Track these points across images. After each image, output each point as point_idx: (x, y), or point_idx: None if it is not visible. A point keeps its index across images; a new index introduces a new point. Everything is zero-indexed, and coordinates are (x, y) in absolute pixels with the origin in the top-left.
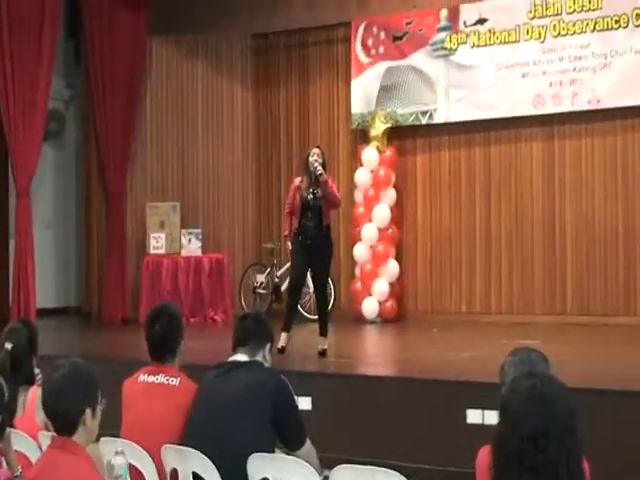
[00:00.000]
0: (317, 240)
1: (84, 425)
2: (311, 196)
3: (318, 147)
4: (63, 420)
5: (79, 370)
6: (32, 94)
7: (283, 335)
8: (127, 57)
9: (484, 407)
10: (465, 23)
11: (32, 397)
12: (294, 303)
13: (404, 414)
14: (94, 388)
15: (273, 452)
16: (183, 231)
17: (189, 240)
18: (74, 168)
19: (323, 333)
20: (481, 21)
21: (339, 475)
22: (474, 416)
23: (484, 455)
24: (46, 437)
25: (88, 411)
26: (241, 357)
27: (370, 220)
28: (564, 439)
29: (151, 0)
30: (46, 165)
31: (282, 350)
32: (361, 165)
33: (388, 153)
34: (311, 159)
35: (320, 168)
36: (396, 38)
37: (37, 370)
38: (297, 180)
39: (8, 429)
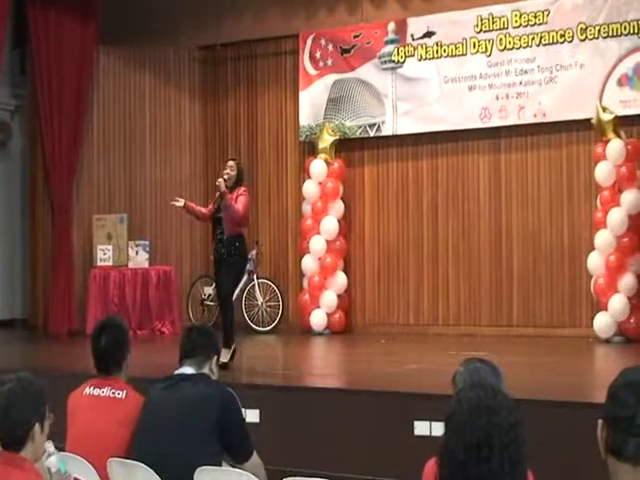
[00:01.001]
0: (222, 252)
1: (33, 441)
2: (217, 208)
3: (233, 159)
4: (12, 436)
5: (27, 385)
6: None
7: (223, 351)
8: (74, 67)
9: (432, 418)
10: (413, 36)
11: None
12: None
13: (352, 426)
14: (42, 403)
15: (220, 465)
16: (130, 243)
17: (136, 252)
18: (19, 179)
19: (225, 345)
20: (428, 34)
21: None
22: (421, 427)
23: (431, 466)
24: None
25: (37, 426)
26: (187, 370)
27: (318, 232)
28: (508, 449)
29: (99, 11)
30: None
31: (224, 366)
32: (309, 177)
33: (336, 165)
34: (223, 171)
35: (220, 181)
36: (344, 51)
37: None
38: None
39: None
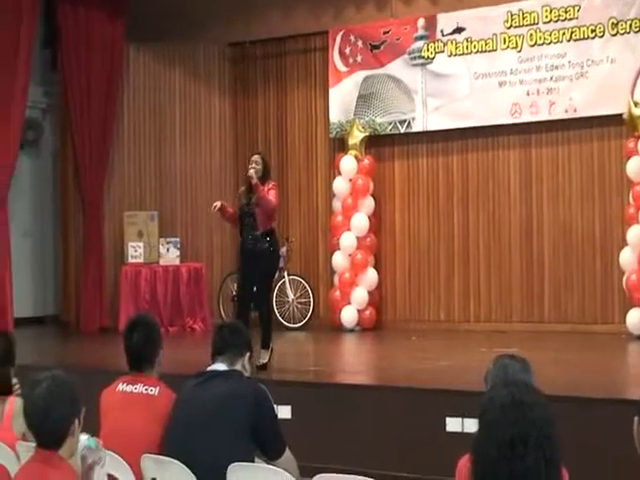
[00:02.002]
0: (255, 248)
1: (71, 438)
2: (246, 204)
3: (258, 153)
4: (51, 435)
5: (63, 383)
6: (8, 102)
7: (262, 352)
8: (104, 65)
9: (463, 415)
10: (442, 32)
11: (9, 408)
12: (240, 314)
13: (383, 422)
14: (78, 401)
15: (252, 461)
16: (161, 240)
17: (167, 249)
18: (51, 177)
19: (264, 345)
20: (458, 30)
21: None
22: (453, 424)
23: (464, 463)
24: (24, 448)
25: (75, 424)
26: (220, 366)
27: (349, 229)
28: (542, 446)
29: (129, 8)
30: (23, 174)
31: (264, 366)
32: (339, 174)
33: (366, 162)
34: (249, 166)
35: (252, 172)
36: (373, 47)
37: (15, 380)
38: (240, 190)
39: None
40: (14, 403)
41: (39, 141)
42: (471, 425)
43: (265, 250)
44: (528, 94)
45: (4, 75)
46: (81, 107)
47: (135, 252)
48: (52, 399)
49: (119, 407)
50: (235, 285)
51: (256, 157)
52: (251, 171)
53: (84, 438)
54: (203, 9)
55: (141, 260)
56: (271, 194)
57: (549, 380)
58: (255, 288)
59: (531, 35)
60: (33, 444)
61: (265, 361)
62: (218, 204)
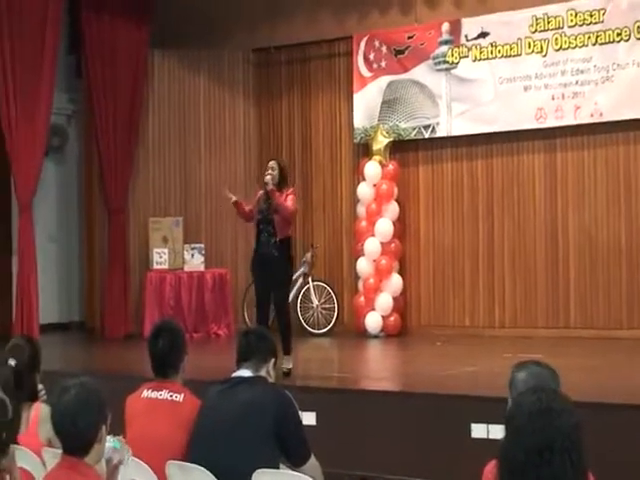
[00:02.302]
0: (270, 254)
1: (98, 444)
2: (264, 209)
3: (274, 159)
4: (80, 442)
5: (91, 391)
6: (34, 109)
7: (285, 358)
8: (129, 71)
9: (489, 421)
10: (467, 37)
11: (35, 413)
12: (261, 319)
13: (408, 429)
14: (105, 407)
15: (277, 468)
16: (186, 246)
17: (192, 255)
18: (76, 183)
19: (286, 352)
20: (483, 35)
21: None
22: (479, 430)
23: (489, 469)
24: (50, 454)
25: (102, 430)
26: (245, 372)
27: (373, 234)
28: (569, 452)
29: (153, 15)
30: (48, 180)
31: (288, 373)
32: (363, 179)
33: (390, 167)
34: (265, 173)
35: (269, 179)
36: (398, 52)
37: (40, 386)
38: (259, 193)
39: (12, 446)
40: (40, 409)
41: (64, 147)
42: (497, 431)
43: (279, 257)
44: (553, 98)
45: (30, 81)
46: (106, 113)
47: (160, 258)
48: (80, 406)
49: (144, 413)
50: None
51: (272, 163)
52: (267, 177)
53: (109, 440)
54: (228, 15)
55: (166, 266)
56: (289, 200)
57: (575, 386)
58: (273, 295)
59: (556, 39)
60: (59, 450)
61: (290, 367)
62: (233, 198)
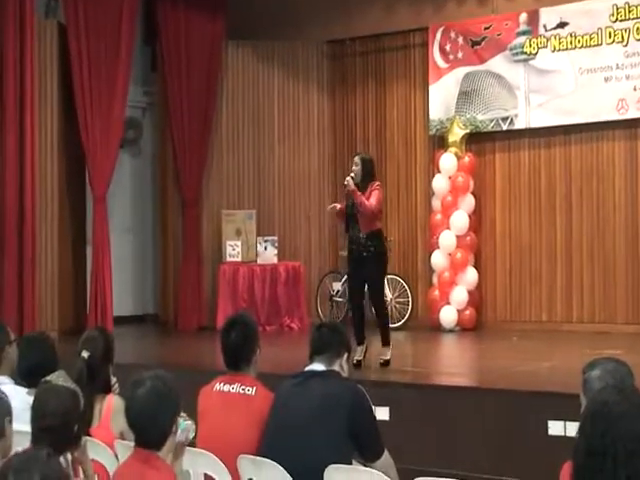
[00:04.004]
0: (360, 250)
1: (172, 437)
2: (349, 206)
3: (358, 154)
4: (155, 436)
5: (166, 384)
6: (109, 101)
7: (357, 349)
8: (203, 63)
9: (566, 418)
10: (545, 27)
11: (108, 406)
12: (355, 314)
13: (483, 425)
14: (179, 401)
15: (350, 464)
16: (259, 239)
17: (265, 248)
18: (150, 175)
19: (385, 343)
20: (561, 25)
21: None
22: (556, 427)
23: (567, 469)
24: (123, 446)
25: (176, 424)
26: (318, 366)
27: (448, 227)
28: (626, 460)
29: (227, 6)
30: (123, 172)
31: (358, 364)
32: (439, 171)
33: (466, 159)
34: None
35: (348, 179)
36: (474, 43)
37: (114, 379)
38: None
39: (84, 438)
40: (113, 402)
41: (139, 140)
42: (574, 429)
43: (369, 252)
44: (635, 89)
45: (106, 74)
46: (180, 106)
47: (233, 251)
48: (157, 400)
49: (217, 407)
50: (333, 284)
51: (356, 158)
52: (347, 178)
53: (180, 424)
54: (303, 7)
55: (239, 259)
56: (373, 196)
57: None
58: (368, 290)
59: (637, 29)
60: (132, 443)
61: (387, 357)
62: (338, 206)
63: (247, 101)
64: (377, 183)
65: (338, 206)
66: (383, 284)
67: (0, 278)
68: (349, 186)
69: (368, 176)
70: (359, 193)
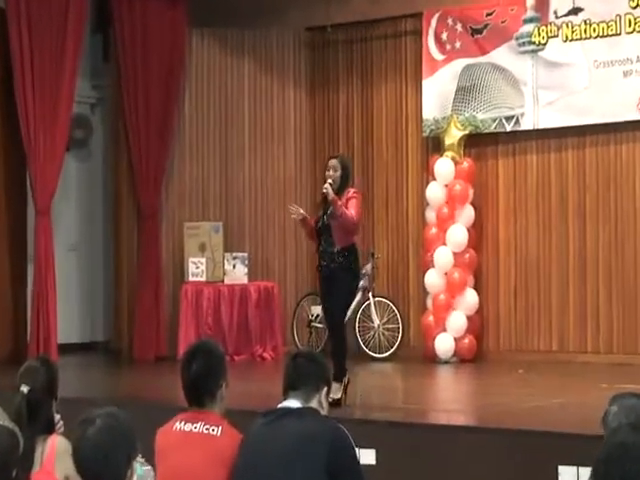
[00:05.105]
0: (331, 267)
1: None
2: (321, 215)
3: (335, 157)
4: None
5: (119, 423)
6: (54, 96)
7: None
8: (163, 53)
9: (579, 463)
10: (556, 13)
11: (52, 447)
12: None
13: (484, 470)
14: (136, 442)
15: None
16: (227, 255)
17: (233, 266)
18: (101, 182)
19: (336, 378)
20: (575, 11)
21: None
22: (567, 474)
23: None
24: None
25: (132, 467)
26: (293, 403)
27: (444, 243)
28: None
29: None
30: (69, 179)
31: (336, 403)
32: (433, 179)
33: (465, 165)
34: (326, 173)
35: (327, 187)
36: (475, 31)
37: (58, 416)
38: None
39: None
40: (57, 443)
41: (88, 141)
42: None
43: (339, 269)
44: None
45: (50, 64)
46: (136, 101)
47: (197, 269)
48: (110, 440)
49: (177, 448)
50: (312, 308)
51: (333, 162)
52: (326, 185)
53: (135, 464)
54: None
55: (203, 278)
56: (351, 205)
57: None
58: (327, 304)
59: None
60: None
61: (337, 397)
62: (301, 213)
63: (214, 97)
64: (354, 190)
65: (302, 212)
66: (345, 309)
67: None
68: (329, 195)
69: (346, 182)
70: (340, 203)
